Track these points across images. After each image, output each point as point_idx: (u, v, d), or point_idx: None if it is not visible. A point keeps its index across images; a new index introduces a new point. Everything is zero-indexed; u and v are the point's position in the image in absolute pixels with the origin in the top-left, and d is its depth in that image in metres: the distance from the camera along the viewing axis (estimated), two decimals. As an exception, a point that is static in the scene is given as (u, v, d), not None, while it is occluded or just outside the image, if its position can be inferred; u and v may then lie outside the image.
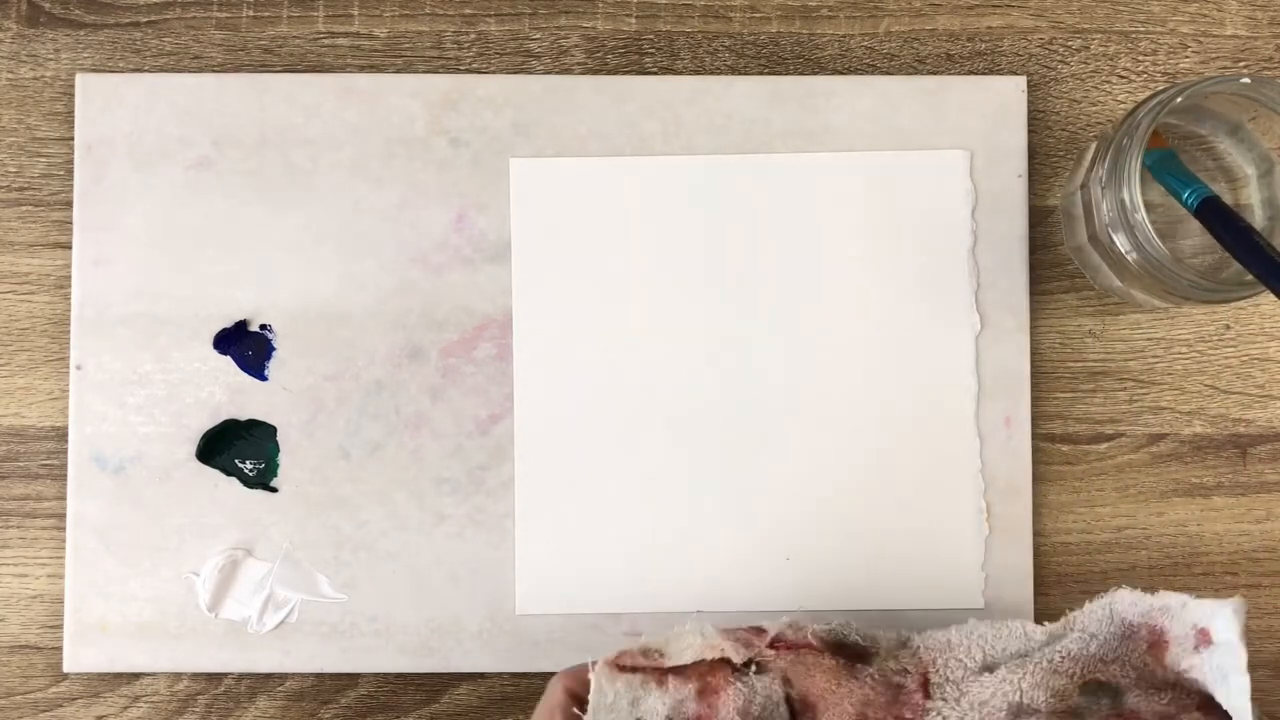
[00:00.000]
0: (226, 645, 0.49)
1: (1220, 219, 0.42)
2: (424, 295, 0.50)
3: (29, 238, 0.51)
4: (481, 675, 0.50)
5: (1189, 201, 0.43)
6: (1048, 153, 0.51)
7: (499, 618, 0.49)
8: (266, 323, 0.50)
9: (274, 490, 0.49)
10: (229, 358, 0.50)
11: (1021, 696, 0.41)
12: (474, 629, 0.49)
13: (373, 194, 0.50)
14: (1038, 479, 0.50)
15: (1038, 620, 0.49)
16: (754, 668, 0.43)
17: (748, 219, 0.50)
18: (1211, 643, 0.40)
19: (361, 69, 0.51)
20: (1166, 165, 0.45)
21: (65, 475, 0.49)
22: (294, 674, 0.50)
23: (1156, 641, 0.42)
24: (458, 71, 0.51)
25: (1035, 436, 0.50)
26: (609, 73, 0.51)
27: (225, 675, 0.50)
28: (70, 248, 0.50)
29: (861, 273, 0.50)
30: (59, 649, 0.50)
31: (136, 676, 0.50)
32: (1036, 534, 0.50)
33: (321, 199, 0.50)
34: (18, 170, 0.51)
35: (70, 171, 0.50)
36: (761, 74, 0.51)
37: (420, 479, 0.49)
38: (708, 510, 0.49)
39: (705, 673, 0.42)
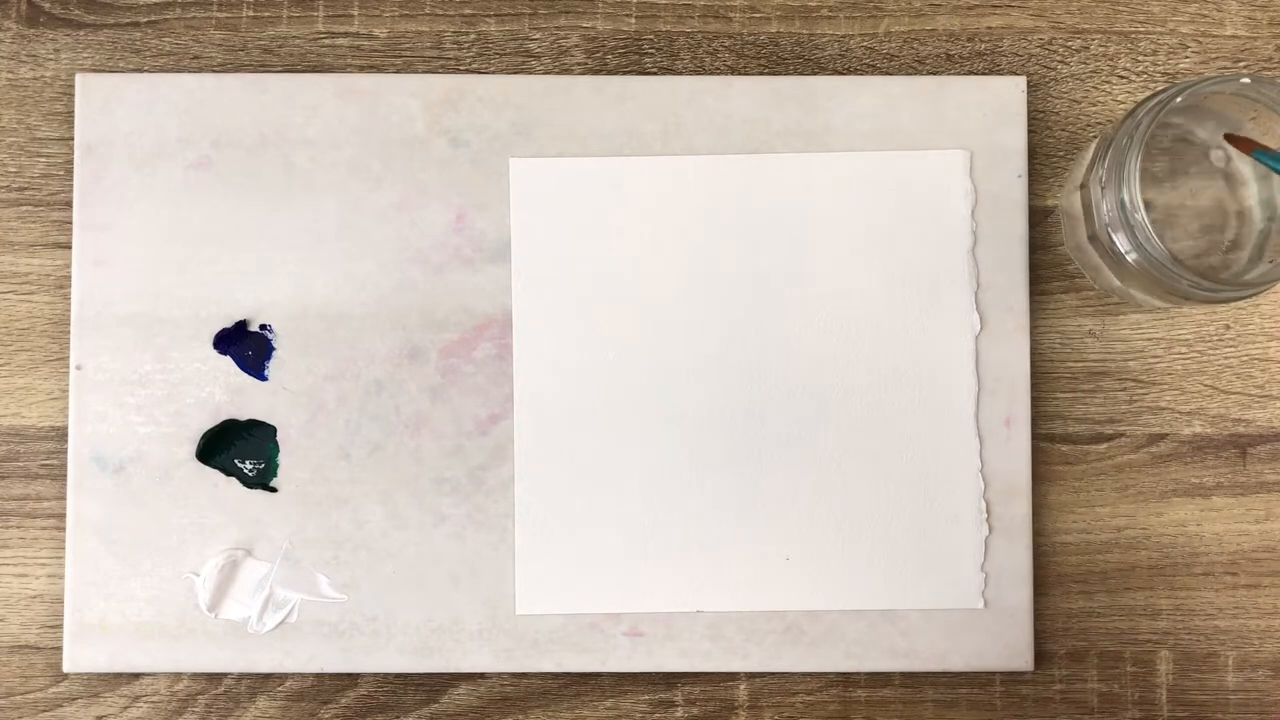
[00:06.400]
0: (226, 645, 0.49)
1: None
2: (424, 295, 0.50)
3: (29, 238, 0.51)
4: (481, 675, 0.50)
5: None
6: (1048, 153, 0.51)
7: (499, 618, 0.49)
8: (266, 323, 0.50)
9: (274, 490, 0.49)
10: (229, 358, 0.50)
11: None
12: (474, 629, 0.49)
13: (373, 194, 0.50)
14: (1037, 479, 0.50)
15: (1037, 620, 0.49)
16: None
17: (747, 219, 0.50)
18: None
19: (361, 69, 0.51)
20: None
21: (65, 475, 0.49)
22: (294, 674, 0.50)
23: None
24: (458, 71, 0.51)
25: (1035, 436, 0.50)
26: (609, 73, 0.51)
27: (225, 675, 0.50)
28: (70, 248, 0.50)
29: (861, 273, 0.50)
30: (59, 649, 0.50)
31: (136, 676, 0.50)
32: (1036, 534, 0.50)
33: (321, 199, 0.50)
34: (18, 170, 0.51)
35: (70, 171, 0.50)
36: (761, 74, 0.51)
37: (420, 479, 0.49)
38: (708, 510, 0.49)
39: None
